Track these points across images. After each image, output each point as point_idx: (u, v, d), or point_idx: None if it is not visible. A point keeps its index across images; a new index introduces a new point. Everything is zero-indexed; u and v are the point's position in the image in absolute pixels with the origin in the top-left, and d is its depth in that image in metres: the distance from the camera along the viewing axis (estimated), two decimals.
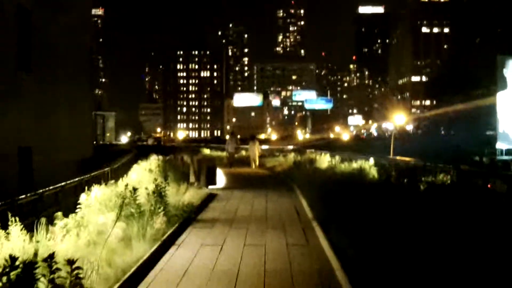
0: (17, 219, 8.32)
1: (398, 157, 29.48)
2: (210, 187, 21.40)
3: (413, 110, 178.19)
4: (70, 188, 14.94)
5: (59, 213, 10.70)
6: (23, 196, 11.15)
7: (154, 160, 29.50)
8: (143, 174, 22.85)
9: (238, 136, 55.43)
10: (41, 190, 12.33)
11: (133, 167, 24.93)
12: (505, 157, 57.06)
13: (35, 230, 8.72)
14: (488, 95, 66.30)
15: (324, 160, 31.59)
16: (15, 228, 8.20)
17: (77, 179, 15.55)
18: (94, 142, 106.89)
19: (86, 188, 14.05)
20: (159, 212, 12.48)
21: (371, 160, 27.55)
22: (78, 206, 12.41)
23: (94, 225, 11.27)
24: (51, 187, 13.28)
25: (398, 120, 34.04)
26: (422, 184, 18.77)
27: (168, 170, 24.13)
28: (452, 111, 70.83)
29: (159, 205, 12.70)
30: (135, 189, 12.45)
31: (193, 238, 11.80)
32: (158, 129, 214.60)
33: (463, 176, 20.10)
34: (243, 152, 42.69)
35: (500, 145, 60.52)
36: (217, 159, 37.21)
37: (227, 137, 40.45)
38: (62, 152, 21.69)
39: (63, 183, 14.23)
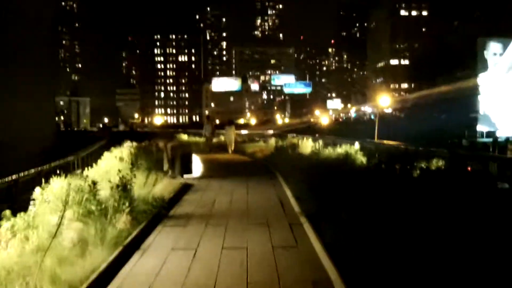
0: None
1: (377, 141, 27.98)
2: (185, 176, 19.69)
3: (392, 93, 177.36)
4: (26, 182, 13.22)
5: (7, 212, 9.04)
6: None
7: (126, 147, 27.82)
8: (113, 163, 21.13)
9: (217, 121, 53.53)
10: None
11: (104, 155, 23.17)
12: (485, 139, 56.22)
13: None
14: (471, 77, 65.23)
15: (307, 145, 30.05)
16: None
17: (33, 170, 13.79)
18: (68, 128, 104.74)
19: (44, 181, 12.34)
20: (124, 209, 10.82)
21: (357, 145, 26.06)
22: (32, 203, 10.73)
23: (47, 225, 9.58)
24: (1, 181, 11.56)
25: (383, 102, 32.56)
26: (415, 170, 17.33)
27: (140, 158, 22.43)
28: (436, 93, 69.75)
29: (124, 200, 11.05)
30: (94, 183, 10.76)
31: (163, 240, 10.14)
32: (136, 115, 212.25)
33: (457, 160, 18.72)
34: (222, 138, 40.98)
35: (480, 128, 59.55)
36: (194, 145, 35.53)
37: (208, 120, 39.19)
38: (19, 141, 19.84)
39: (16, 176, 12.51)
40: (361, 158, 21.73)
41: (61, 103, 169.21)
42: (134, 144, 31.13)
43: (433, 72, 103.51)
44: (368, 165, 18.83)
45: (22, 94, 20.50)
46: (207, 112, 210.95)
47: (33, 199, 10.81)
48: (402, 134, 49.86)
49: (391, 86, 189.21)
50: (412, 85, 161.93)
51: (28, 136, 20.23)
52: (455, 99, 66.69)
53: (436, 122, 62.04)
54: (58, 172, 16.59)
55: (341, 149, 25.42)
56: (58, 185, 12.09)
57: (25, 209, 10.40)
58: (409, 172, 16.81)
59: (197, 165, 24.81)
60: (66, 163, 17.76)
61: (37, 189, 11.20)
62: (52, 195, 11.26)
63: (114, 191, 11.20)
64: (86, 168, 18.01)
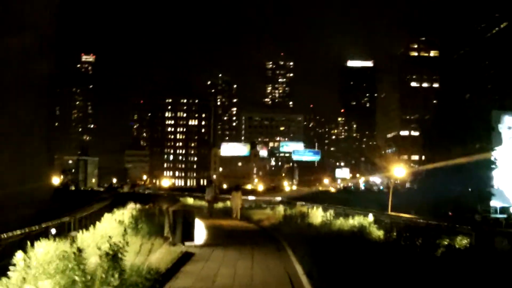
0: None
1: (393, 213, 26.50)
2: (186, 243, 18.22)
3: (402, 164, 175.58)
4: (12, 244, 11.95)
5: None
6: None
7: (129, 210, 26.57)
8: (112, 226, 19.85)
9: (225, 186, 51.93)
10: None
11: (104, 217, 21.86)
12: (499, 215, 54.48)
13: None
14: (485, 150, 64.07)
15: (316, 215, 28.63)
16: None
17: (18, 232, 12.48)
18: (72, 188, 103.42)
19: (32, 243, 11.05)
20: (112, 281, 9.44)
21: (371, 217, 24.70)
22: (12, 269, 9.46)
23: None
24: None
25: (397, 173, 31.31)
26: (438, 248, 15.90)
27: (141, 222, 21.12)
28: (450, 165, 68.47)
29: (113, 271, 9.67)
30: (80, 250, 9.44)
31: None
32: (144, 177, 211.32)
33: (484, 238, 17.29)
34: (228, 203, 39.67)
35: (494, 203, 57.92)
36: (198, 209, 34.21)
37: (210, 185, 38.45)
38: (8, 199, 18.53)
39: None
40: (377, 232, 20.34)
41: (70, 162, 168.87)
42: (138, 206, 30.01)
43: (445, 144, 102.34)
44: (386, 240, 17.38)
45: (12, 148, 19.28)
46: (214, 176, 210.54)
47: (14, 265, 9.57)
48: (414, 206, 48.35)
49: (401, 157, 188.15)
50: (423, 157, 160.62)
51: (21, 195, 18.93)
52: (470, 172, 65.27)
53: (450, 195, 60.47)
54: (52, 233, 15.33)
55: (353, 220, 24.06)
56: (44, 249, 10.81)
57: (6, 275, 9.31)
58: (431, 250, 15.37)
59: (201, 231, 23.41)
60: (60, 224, 16.46)
61: (19, 254, 9.92)
62: (36, 261, 9.97)
63: (103, 260, 9.84)
64: (82, 231, 16.71)
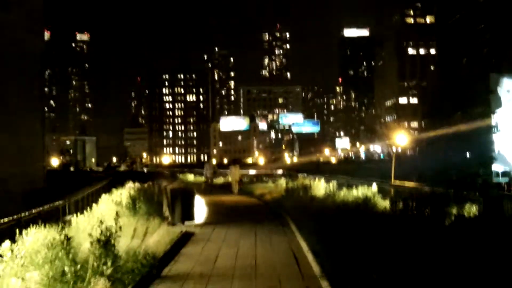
0: None
1: (397, 182, 25.84)
2: (186, 223, 17.58)
3: (402, 131, 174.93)
4: (1, 231, 11.28)
5: None
6: None
7: (127, 189, 25.91)
8: (109, 208, 19.19)
9: (225, 160, 50.88)
10: None
11: (101, 198, 21.20)
12: (501, 179, 53.87)
13: None
14: (485, 115, 63.34)
15: (319, 187, 27.99)
16: None
17: (6, 219, 11.80)
18: (72, 168, 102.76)
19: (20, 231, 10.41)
20: (104, 269, 8.78)
21: (374, 186, 24.03)
22: None
23: None
24: None
25: (399, 140, 30.56)
26: (447, 217, 15.28)
27: (140, 202, 20.46)
28: (450, 131, 67.77)
29: (105, 259, 9.01)
30: (68, 238, 8.77)
31: None
32: (144, 154, 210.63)
33: (492, 203, 16.63)
34: (229, 178, 39.15)
35: (496, 167, 57.43)
36: (198, 185, 33.65)
37: (208, 161, 38.86)
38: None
39: None
40: (382, 203, 19.69)
41: (67, 142, 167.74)
42: (136, 185, 29.34)
43: (444, 109, 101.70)
44: (392, 211, 16.72)
45: (3, 129, 18.48)
46: (215, 151, 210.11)
47: (1, 256, 8.88)
48: (416, 173, 47.80)
49: (400, 124, 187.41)
50: (422, 123, 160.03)
51: (12, 177, 18.16)
52: (470, 137, 64.74)
53: (451, 161, 59.89)
54: (42, 219, 14.66)
55: (357, 191, 23.41)
56: (33, 237, 10.16)
57: None
58: (440, 220, 14.74)
59: (201, 209, 22.79)
60: (53, 208, 15.76)
61: (5, 243, 9.24)
62: (24, 250, 9.29)
63: (95, 247, 9.18)
64: (77, 214, 16.03)
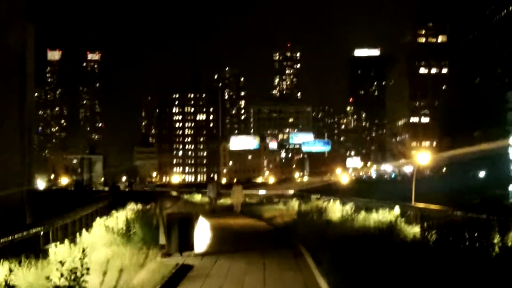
0: None
1: (422, 204, 23.32)
2: (184, 253, 15.17)
3: (412, 152, 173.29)
4: None
5: None
6: None
7: (126, 212, 23.71)
8: (101, 234, 16.94)
9: (235, 180, 49.07)
10: None
11: (95, 222, 18.96)
12: None
13: None
14: (504, 133, 61.26)
15: (334, 209, 25.65)
16: None
17: None
18: (73, 188, 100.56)
19: None
20: None
21: (397, 209, 21.57)
22: None
23: None
24: None
25: (421, 159, 28.26)
26: (492, 248, 12.89)
27: (136, 227, 18.18)
28: (468, 151, 65.38)
29: None
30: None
31: None
32: (154, 173, 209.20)
33: None
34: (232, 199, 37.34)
35: None
36: (203, 206, 31.38)
37: (212, 181, 38.06)
38: None
39: None
40: (408, 229, 17.27)
41: (74, 161, 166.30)
42: (138, 206, 27.19)
43: (462, 129, 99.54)
44: (424, 240, 14.33)
45: None
46: (225, 170, 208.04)
47: None
48: (435, 195, 45.50)
49: (411, 144, 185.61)
50: (434, 143, 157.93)
51: None
52: (489, 157, 62.41)
53: (471, 181, 57.68)
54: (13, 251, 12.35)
55: (377, 215, 21.03)
56: None
57: None
58: (484, 251, 12.35)
59: (204, 233, 20.41)
60: (28, 236, 13.38)
61: None
62: None
63: None
64: (61, 243, 13.73)
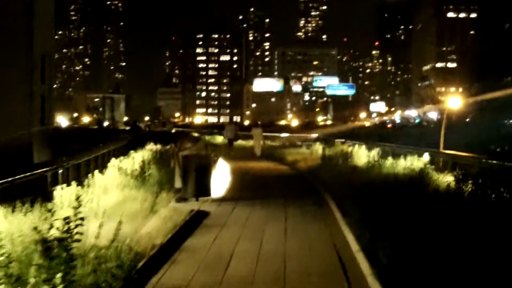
0: None
1: (452, 152, 22.05)
2: (201, 198, 14.20)
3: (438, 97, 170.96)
4: None
5: None
6: None
7: (145, 152, 22.87)
8: (114, 176, 15.99)
9: (259, 122, 48.66)
10: None
11: (110, 163, 18.03)
12: None
13: None
14: None
15: (359, 154, 24.52)
16: None
17: None
18: (96, 126, 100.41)
19: None
20: None
21: (426, 156, 20.38)
22: None
23: None
24: None
25: (452, 103, 26.83)
26: None
27: (152, 168, 17.27)
28: (497, 97, 63.12)
29: (48, 273, 5.76)
30: None
31: None
32: (177, 114, 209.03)
33: None
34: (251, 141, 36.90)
35: None
36: (222, 149, 30.48)
37: (230, 123, 38.31)
38: None
39: None
40: (440, 177, 16.12)
41: (96, 99, 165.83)
42: (157, 147, 26.48)
43: (486, 74, 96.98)
44: (458, 189, 13.19)
45: None
46: (248, 112, 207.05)
47: None
48: (463, 142, 44.16)
49: (437, 89, 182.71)
50: (460, 89, 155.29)
51: None
52: None
53: (500, 129, 55.89)
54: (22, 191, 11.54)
55: (405, 162, 19.87)
56: None
57: None
58: None
59: (223, 177, 19.46)
60: (33, 177, 12.50)
61: None
62: None
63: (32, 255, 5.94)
64: (71, 184, 12.84)
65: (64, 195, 11.67)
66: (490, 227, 9.05)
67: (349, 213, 11.87)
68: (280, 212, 12.91)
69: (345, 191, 14.60)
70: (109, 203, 11.97)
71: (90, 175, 15.20)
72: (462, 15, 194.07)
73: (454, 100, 27.62)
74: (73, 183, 12.70)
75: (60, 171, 14.15)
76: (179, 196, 14.18)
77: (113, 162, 18.10)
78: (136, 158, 19.19)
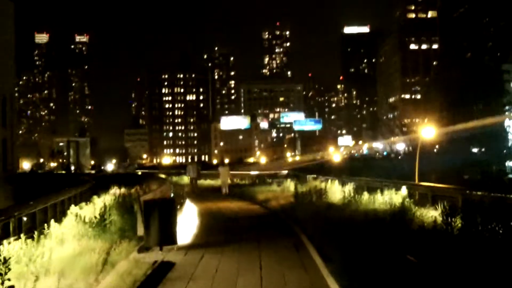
0: None
1: (430, 184, 21.16)
2: (165, 247, 12.89)
3: (404, 129, 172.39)
4: None
5: None
6: None
7: (108, 197, 21.68)
8: (71, 225, 14.66)
9: (227, 161, 47.34)
10: None
11: (70, 210, 16.68)
12: None
13: None
14: (498, 108, 59.61)
15: (334, 190, 23.59)
16: None
17: None
18: (63, 171, 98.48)
19: None
20: None
21: (404, 190, 19.35)
22: None
23: None
24: None
25: (426, 133, 26.10)
26: None
27: (113, 215, 15.99)
28: (465, 127, 63.32)
29: None
30: None
31: None
32: (144, 155, 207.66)
33: None
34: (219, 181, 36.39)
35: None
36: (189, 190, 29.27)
37: (191, 162, 38.84)
38: None
39: None
40: (424, 213, 15.10)
41: (60, 144, 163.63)
42: (122, 190, 25.35)
43: (453, 104, 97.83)
44: (446, 226, 12.17)
45: None
46: (216, 151, 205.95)
47: None
48: (434, 172, 43.83)
49: (403, 121, 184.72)
50: (425, 120, 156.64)
51: None
52: (486, 133, 60.61)
53: (469, 158, 55.95)
54: None
55: (382, 196, 18.88)
56: None
57: None
58: None
59: (190, 220, 18.20)
60: None
61: None
62: None
63: None
64: (21, 236, 11.52)
65: (10, 250, 10.37)
66: (490, 266, 8.13)
67: (329, 257, 10.71)
68: (254, 259, 11.63)
69: (323, 231, 13.52)
70: (65, 255, 10.78)
71: (46, 225, 13.90)
72: (424, 46, 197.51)
73: (428, 130, 26.86)
74: (22, 236, 11.36)
75: (11, 221, 12.80)
76: (141, 245, 12.89)
77: (73, 209, 16.81)
78: (98, 204, 17.97)
